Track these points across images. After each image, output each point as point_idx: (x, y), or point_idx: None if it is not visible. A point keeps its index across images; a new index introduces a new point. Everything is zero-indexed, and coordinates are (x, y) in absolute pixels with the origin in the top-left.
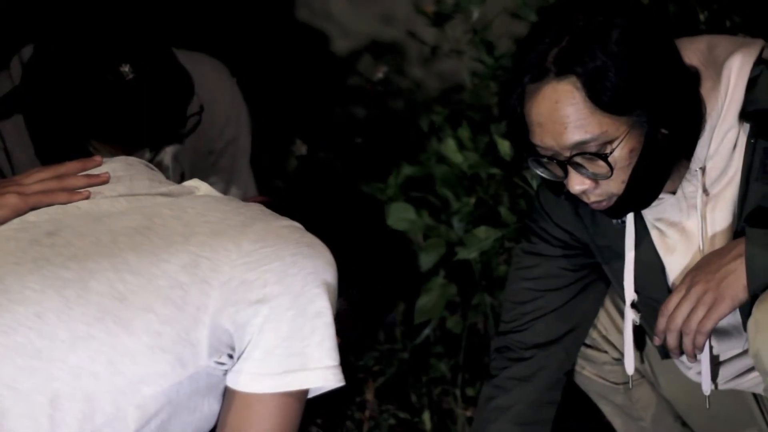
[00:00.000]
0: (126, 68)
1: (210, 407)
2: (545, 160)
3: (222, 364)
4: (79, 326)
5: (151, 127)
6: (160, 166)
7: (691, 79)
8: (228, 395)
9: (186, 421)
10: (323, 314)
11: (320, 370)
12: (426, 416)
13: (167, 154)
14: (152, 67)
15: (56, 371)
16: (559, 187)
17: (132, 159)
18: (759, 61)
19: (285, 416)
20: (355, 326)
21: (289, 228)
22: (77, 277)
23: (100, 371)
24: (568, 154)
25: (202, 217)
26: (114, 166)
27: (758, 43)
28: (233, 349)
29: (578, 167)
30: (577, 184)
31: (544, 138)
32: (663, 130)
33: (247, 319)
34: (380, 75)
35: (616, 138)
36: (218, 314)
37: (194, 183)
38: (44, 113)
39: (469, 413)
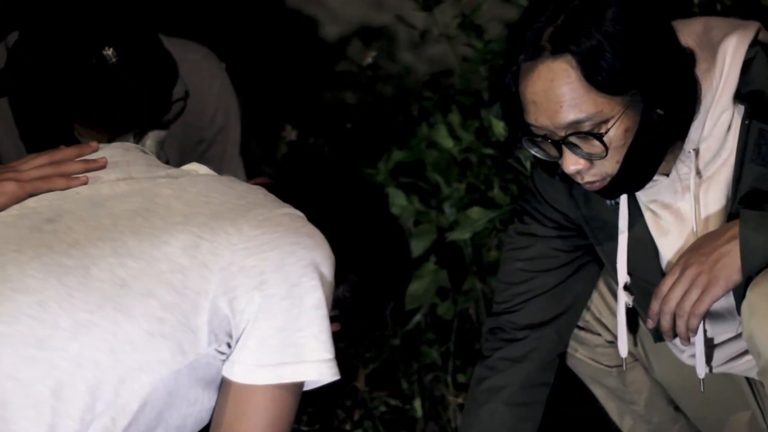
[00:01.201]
0: (109, 51)
1: (210, 400)
2: (539, 139)
3: (221, 353)
4: (81, 314)
5: (135, 110)
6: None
7: (687, 60)
8: (224, 385)
9: (186, 413)
10: (319, 306)
11: (315, 363)
12: (417, 403)
13: (151, 140)
14: (136, 51)
15: (58, 360)
16: (553, 168)
17: (128, 144)
18: (754, 43)
19: (280, 408)
20: (358, 315)
21: (290, 216)
22: (79, 264)
23: (101, 359)
24: (562, 133)
25: (203, 197)
26: (111, 152)
27: (754, 25)
28: (231, 336)
29: (573, 147)
30: (571, 163)
31: (538, 117)
32: (658, 111)
33: (243, 306)
34: (369, 60)
35: (611, 117)
36: (217, 299)
37: (193, 166)
38: (28, 96)
39: (460, 400)
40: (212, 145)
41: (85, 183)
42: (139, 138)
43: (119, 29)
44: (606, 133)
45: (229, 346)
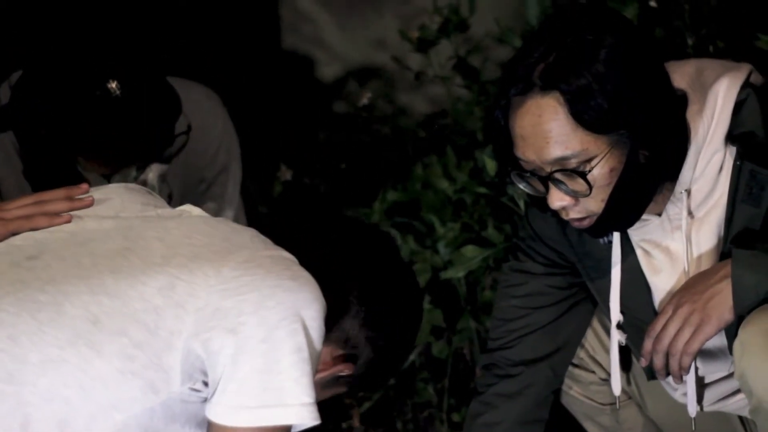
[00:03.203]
0: (113, 85)
1: None
2: (527, 174)
3: (197, 391)
4: (51, 350)
5: (137, 143)
6: (145, 186)
7: (678, 102)
8: (209, 426)
9: None
10: (300, 350)
11: (296, 407)
12: None
13: (153, 173)
14: (139, 84)
15: (27, 395)
16: (545, 203)
17: (133, 185)
18: (746, 85)
19: None
20: (380, 375)
21: (273, 258)
22: (52, 300)
23: (71, 396)
24: (549, 169)
25: (186, 239)
26: (107, 190)
27: (746, 68)
28: (207, 375)
29: (558, 183)
30: (556, 200)
31: (526, 151)
32: (644, 152)
33: (219, 348)
34: (365, 101)
35: (597, 156)
36: (191, 340)
37: (187, 207)
38: (32, 128)
39: None
40: (213, 184)
41: (68, 221)
42: (141, 171)
43: (123, 63)
44: (590, 171)
45: (205, 384)
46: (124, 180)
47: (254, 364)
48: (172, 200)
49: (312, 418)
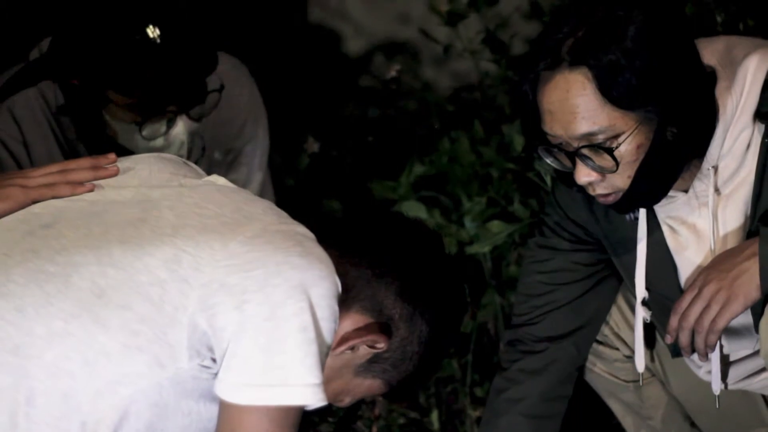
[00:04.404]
0: (153, 30)
1: (208, 410)
2: (554, 149)
3: (207, 367)
4: (57, 322)
5: (172, 90)
6: (175, 141)
7: (707, 79)
8: (219, 404)
9: (182, 424)
10: (305, 329)
11: (300, 388)
12: (434, 416)
13: (181, 128)
14: (178, 32)
15: (33, 368)
16: (571, 179)
17: (167, 155)
18: None
19: (271, 429)
20: (419, 368)
21: (284, 233)
22: (61, 271)
23: (76, 370)
24: (576, 144)
25: (196, 208)
26: (137, 159)
27: None
28: (213, 351)
29: (585, 159)
30: (583, 175)
31: (553, 126)
32: (672, 129)
33: (223, 325)
34: (393, 73)
35: (624, 132)
36: (196, 316)
37: (212, 178)
38: (70, 66)
39: (478, 413)
40: (240, 155)
41: (91, 190)
42: (171, 124)
43: (163, 10)
44: (617, 147)
45: (214, 361)
46: (154, 133)
47: (258, 342)
48: (204, 153)
49: (317, 399)
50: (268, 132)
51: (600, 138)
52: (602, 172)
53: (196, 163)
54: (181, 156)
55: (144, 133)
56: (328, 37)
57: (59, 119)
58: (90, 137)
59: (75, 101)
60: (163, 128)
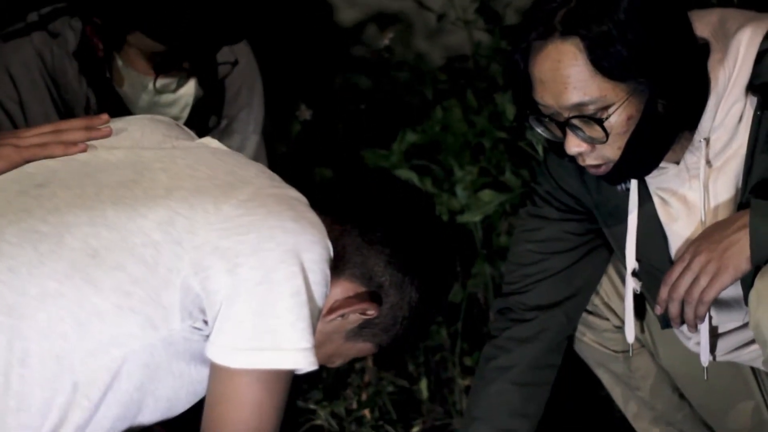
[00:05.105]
0: None
1: (198, 372)
2: (545, 119)
3: (199, 329)
4: (50, 282)
5: (195, 48)
6: (180, 101)
7: (699, 51)
8: (210, 367)
9: (173, 385)
10: (298, 294)
11: (292, 352)
12: (423, 384)
13: (190, 89)
14: None
15: (26, 329)
16: (562, 149)
17: (160, 117)
18: None
19: (262, 393)
20: (407, 330)
21: (277, 197)
22: (54, 231)
23: (68, 331)
24: (567, 114)
25: (189, 170)
26: (130, 120)
27: None
28: (205, 314)
29: (575, 129)
30: (573, 146)
31: (544, 96)
32: (663, 101)
33: (216, 287)
34: (386, 41)
35: (614, 103)
36: (189, 278)
37: (205, 140)
38: (104, 3)
39: (466, 382)
40: (234, 121)
41: (84, 151)
42: (182, 82)
43: None
44: (607, 118)
45: (206, 323)
46: (165, 88)
47: (250, 306)
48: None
49: (309, 363)
50: (263, 100)
51: (591, 109)
52: (592, 142)
53: (213, 128)
54: (181, 118)
55: (157, 85)
56: (320, 6)
57: (56, 80)
58: (98, 84)
59: (90, 42)
60: (174, 85)
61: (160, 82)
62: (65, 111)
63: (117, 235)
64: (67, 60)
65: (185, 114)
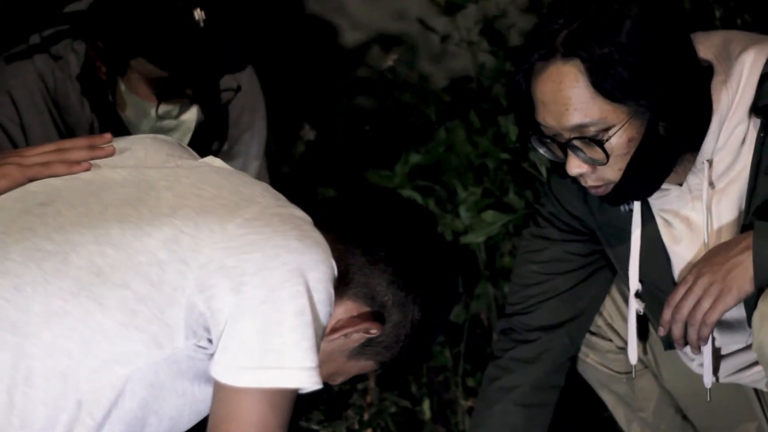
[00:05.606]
0: (200, 12)
1: (202, 391)
2: (547, 140)
3: (203, 348)
4: (55, 301)
5: (199, 76)
6: (181, 127)
7: (702, 74)
8: (214, 384)
9: (177, 404)
10: (302, 313)
11: (296, 371)
12: (426, 405)
13: (192, 116)
14: (222, 18)
15: (30, 347)
16: (565, 170)
17: (162, 136)
18: None
19: (266, 412)
20: (410, 348)
21: (282, 216)
22: (59, 249)
23: (73, 349)
24: (568, 135)
25: (194, 189)
26: (133, 140)
27: None
28: (210, 332)
29: (576, 150)
30: (574, 167)
31: (546, 117)
32: (664, 123)
33: (221, 306)
34: (390, 63)
35: (615, 125)
36: (194, 297)
37: (209, 159)
38: (110, 25)
39: (469, 403)
40: (237, 143)
41: (87, 169)
42: (184, 108)
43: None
44: (608, 140)
45: (210, 342)
46: (167, 114)
47: (255, 324)
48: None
49: (313, 383)
50: (266, 122)
51: (591, 130)
52: (593, 164)
53: (216, 153)
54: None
55: (159, 111)
56: (325, 29)
57: (58, 103)
58: (100, 107)
59: (94, 66)
60: (175, 111)
61: (162, 108)
62: (67, 134)
63: (122, 253)
64: (70, 83)
65: (187, 139)
